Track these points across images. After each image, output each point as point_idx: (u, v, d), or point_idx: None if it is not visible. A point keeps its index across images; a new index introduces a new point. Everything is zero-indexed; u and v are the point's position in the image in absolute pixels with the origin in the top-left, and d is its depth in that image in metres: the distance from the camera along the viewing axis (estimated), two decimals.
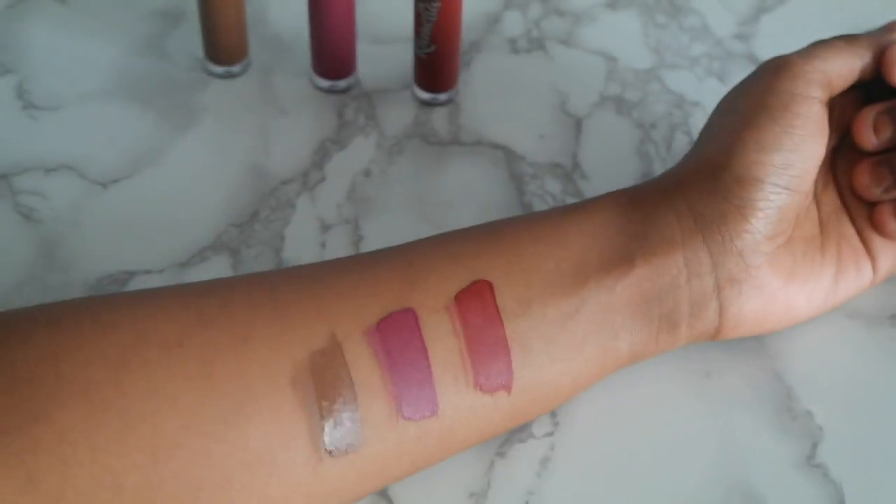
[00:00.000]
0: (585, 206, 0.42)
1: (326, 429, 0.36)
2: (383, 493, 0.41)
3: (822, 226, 0.45)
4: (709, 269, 0.41)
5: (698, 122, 0.54)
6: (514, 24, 0.59)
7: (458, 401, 0.38)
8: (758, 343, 0.45)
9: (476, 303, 0.39)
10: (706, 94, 0.56)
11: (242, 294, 0.38)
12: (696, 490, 0.41)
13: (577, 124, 0.54)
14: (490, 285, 0.39)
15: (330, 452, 0.36)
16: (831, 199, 0.45)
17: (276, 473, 0.35)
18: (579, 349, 0.40)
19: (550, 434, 0.43)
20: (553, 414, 0.43)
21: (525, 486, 0.41)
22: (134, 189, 0.51)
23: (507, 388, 0.39)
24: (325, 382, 0.36)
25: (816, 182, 0.45)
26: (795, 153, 0.41)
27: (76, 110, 0.54)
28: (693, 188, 0.41)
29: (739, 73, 0.57)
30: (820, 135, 0.42)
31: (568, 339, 0.39)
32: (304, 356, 0.36)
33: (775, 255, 0.42)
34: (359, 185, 0.51)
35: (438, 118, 0.54)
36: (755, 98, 0.42)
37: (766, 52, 0.57)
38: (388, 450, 0.37)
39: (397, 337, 0.37)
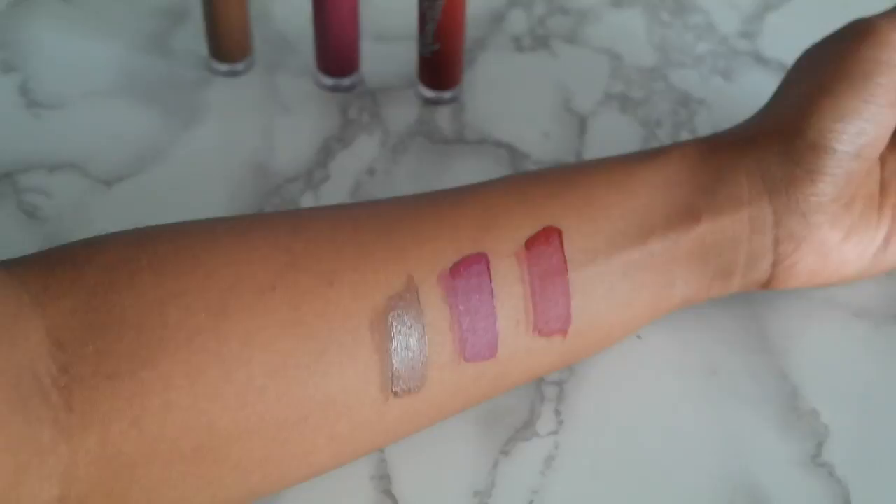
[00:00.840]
0: (655, 156, 0.42)
1: (397, 371, 0.37)
2: (388, 492, 0.41)
3: (883, 185, 0.44)
4: (771, 226, 0.41)
5: (703, 120, 0.54)
6: (518, 22, 0.59)
7: (516, 344, 0.39)
8: (763, 341, 0.45)
9: (545, 250, 0.40)
10: (711, 93, 0.55)
11: (328, 233, 0.39)
12: (701, 488, 0.41)
13: (582, 122, 0.54)
14: (559, 233, 0.40)
15: (396, 394, 0.37)
16: (895, 158, 0.45)
17: (346, 413, 0.37)
18: (636, 296, 0.41)
19: (555, 433, 0.43)
20: (557, 412, 0.43)
21: (529, 484, 0.41)
22: (138, 187, 0.51)
23: (564, 332, 0.40)
24: (399, 327, 0.37)
25: None
26: (871, 122, 0.40)
27: (80, 108, 0.54)
28: (765, 149, 0.41)
29: (744, 71, 0.56)
30: None
31: (627, 288, 0.40)
32: (382, 301, 0.37)
33: (836, 215, 0.42)
34: (363, 183, 0.51)
35: (442, 116, 0.54)
36: (836, 63, 0.41)
37: (772, 50, 0.57)
38: (447, 390, 0.38)
39: (468, 281, 0.38)
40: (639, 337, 0.45)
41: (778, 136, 0.41)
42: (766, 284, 0.43)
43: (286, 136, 0.53)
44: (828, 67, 0.41)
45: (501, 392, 0.41)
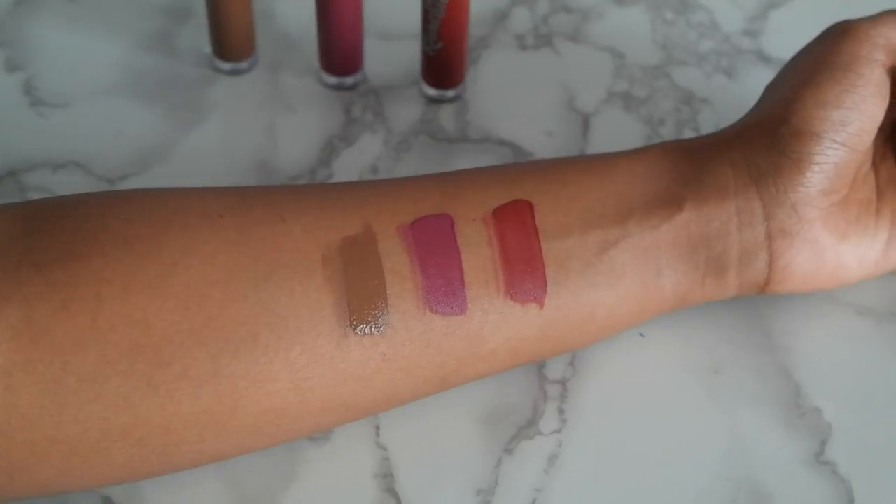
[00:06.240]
0: (637, 151, 0.43)
1: (351, 305, 0.37)
2: (391, 490, 0.41)
3: (880, 192, 0.45)
4: (761, 219, 0.41)
5: (706, 118, 0.54)
6: (521, 20, 0.59)
7: (488, 306, 0.39)
8: (766, 339, 0.45)
9: (514, 218, 0.40)
10: (714, 91, 0.55)
11: (287, 189, 0.40)
12: (704, 487, 0.41)
13: (585, 121, 0.54)
14: (530, 205, 0.40)
15: (354, 328, 0.37)
16: (889, 168, 0.45)
17: (301, 340, 0.37)
18: (618, 279, 0.41)
19: (558, 431, 0.43)
20: (561, 411, 0.43)
21: (533, 482, 0.41)
22: (142, 186, 0.50)
23: (540, 302, 0.40)
24: (354, 264, 0.38)
25: (875, 151, 0.45)
26: (854, 111, 0.41)
27: (84, 107, 0.54)
28: (751, 141, 0.42)
29: (748, 69, 0.56)
30: (880, 96, 0.42)
31: (606, 267, 0.40)
32: (337, 240, 0.38)
33: (829, 214, 0.42)
34: None
35: (446, 115, 0.54)
36: (818, 58, 0.42)
37: (775, 48, 0.57)
38: (414, 339, 0.38)
39: (431, 237, 0.39)
40: (641, 335, 0.45)
41: (763, 128, 0.42)
42: (764, 287, 0.43)
43: (290, 134, 0.53)
44: (810, 63, 0.42)
45: (486, 367, 0.40)
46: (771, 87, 0.44)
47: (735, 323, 0.46)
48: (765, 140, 0.42)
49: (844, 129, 0.41)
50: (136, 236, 0.36)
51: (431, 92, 0.54)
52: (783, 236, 0.42)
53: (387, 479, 0.41)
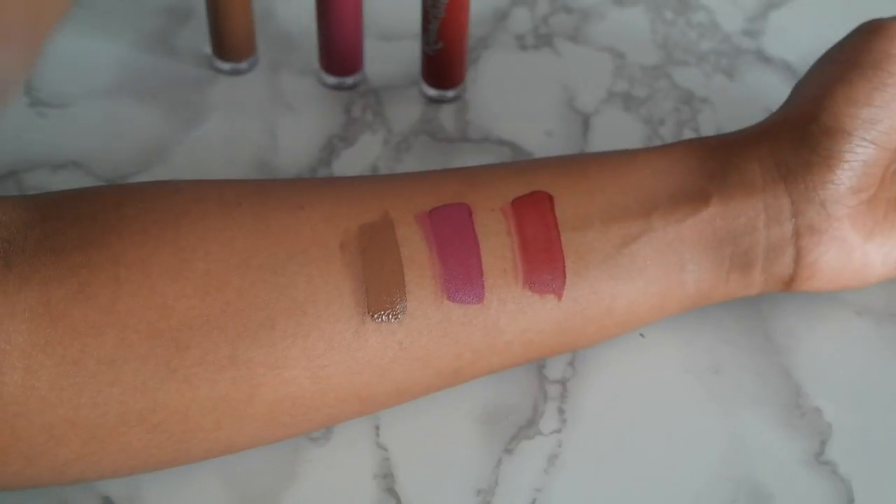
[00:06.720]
0: (660, 147, 0.43)
1: (369, 292, 0.37)
2: (391, 490, 0.41)
3: None
4: (789, 215, 0.41)
5: (706, 118, 0.54)
6: (521, 20, 0.59)
7: (506, 295, 0.39)
8: (766, 339, 0.45)
9: (533, 209, 0.40)
10: (714, 91, 0.55)
11: (304, 180, 0.40)
12: (704, 487, 0.41)
13: (585, 121, 0.54)
14: (550, 197, 0.40)
15: (372, 315, 0.37)
16: None
17: (319, 326, 0.37)
18: (639, 273, 0.40)
19: (558, 431, 0.43)
20: (561, 410, 0.43)
21: (533, 482, 0.41)
22: None
23: (558, 293, 0.40)
24: (372, 250, 0.38)
25: None
26: (885, 109, 0.41)
27: (84, 107, 0.54)
28: (779, 138, 0.42)
29: (748, 69, 0.56)
30: None
31: (627, 261, 0.40)
32: (355, 227, 0.38)
33: (857, 212, 0.42)
34: None
35: (446, 115, 0.54)
36: (848, 56, 0.42)
37: (775, 48, 0.57)
38: (431, 328, 0.38)
39: (449, 225, 0.39)
40: (642, 335, 0.45)
41: (791, 125, 0.42)
42: (790, 283, 0.43)
43: (290, 134, 0.53)
44: (840, 61, 0.42)
45: (502, 359, 0.40)
46: (800, 85, 0.44)
47: (735, 324, 0.46)
48: (794, 137, 0.42)
49: (874, 127, 0.41)
50: (154, 223, 0.37)
51: (431, 92, 0.54)
52: (811, 233, 0.41)
53: (387, 479, 0.41)
